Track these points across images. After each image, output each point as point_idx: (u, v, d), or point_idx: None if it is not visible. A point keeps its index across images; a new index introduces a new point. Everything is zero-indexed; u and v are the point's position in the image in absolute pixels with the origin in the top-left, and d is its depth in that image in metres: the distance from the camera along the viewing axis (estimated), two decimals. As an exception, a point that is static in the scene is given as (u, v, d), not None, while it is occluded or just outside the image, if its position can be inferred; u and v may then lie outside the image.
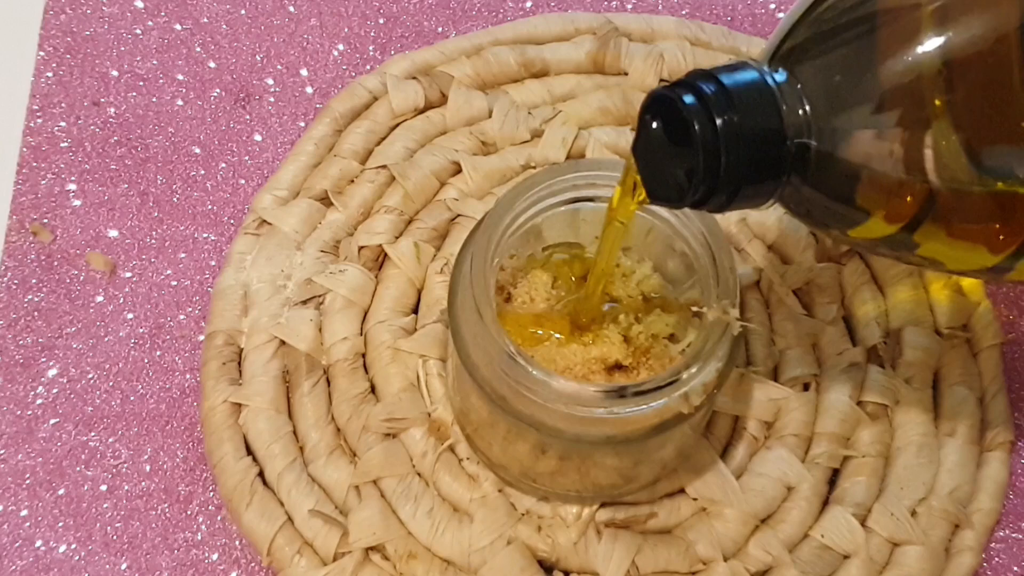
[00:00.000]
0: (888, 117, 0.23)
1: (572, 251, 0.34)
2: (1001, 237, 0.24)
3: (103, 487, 0.37)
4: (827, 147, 0.24)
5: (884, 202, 0.24)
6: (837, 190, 0.24)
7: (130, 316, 0.40)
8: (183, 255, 0.41)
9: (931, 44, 0.23)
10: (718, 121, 0.23)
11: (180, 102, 0.44)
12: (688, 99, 0.24)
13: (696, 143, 0.24)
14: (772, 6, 0.47)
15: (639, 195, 0.27)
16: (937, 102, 0.23)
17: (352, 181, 0.41)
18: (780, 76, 0.24)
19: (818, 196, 0.25)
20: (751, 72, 0.24)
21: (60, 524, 0.36)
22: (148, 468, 0.37)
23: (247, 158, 0.43)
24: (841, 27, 0.24)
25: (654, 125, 0.26)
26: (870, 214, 0.24)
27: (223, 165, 0.43)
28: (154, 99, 0.44)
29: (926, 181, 0.23)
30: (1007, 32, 0.22)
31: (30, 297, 0.40)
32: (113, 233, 0.41)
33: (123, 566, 0.36)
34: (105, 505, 0.37)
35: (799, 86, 0.24)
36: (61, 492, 0.37)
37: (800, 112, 0.24)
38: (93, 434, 0.38)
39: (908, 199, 0.24)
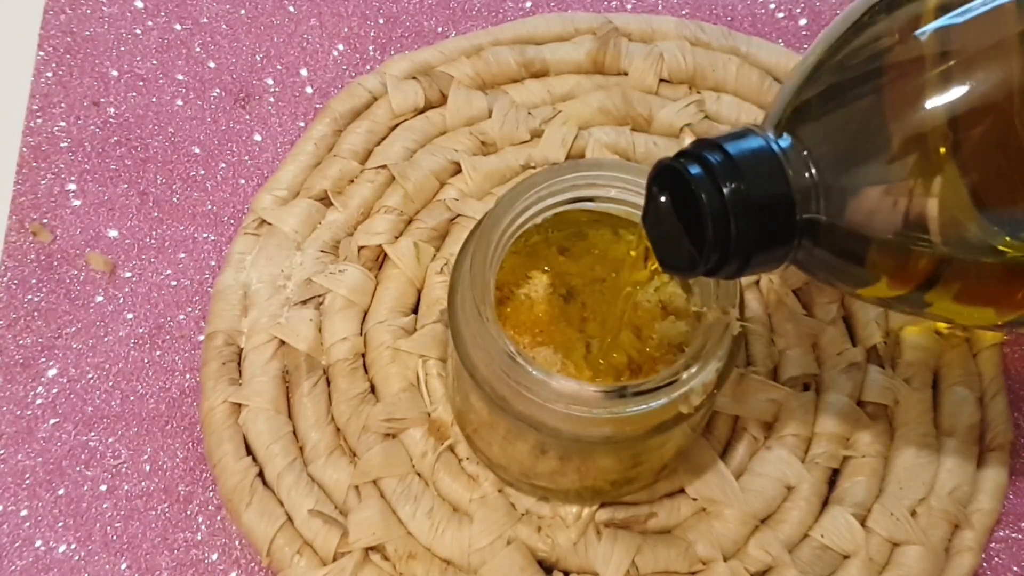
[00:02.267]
0: (895, 174, 0.23)
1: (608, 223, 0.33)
2: (1007, 302, 0.24)
3: (103, 487, 0.37)
4: (835, 209, 0.24)
5: (894, 261, 0.24)
6: (849, 251, 0.24)
7: (130, 316, 0.40)
8: (183, 255, 0.41)
9: (937, 101, 0.23)
10: (725, 190, 0.23)
11: (180, 102, 0.44)
12: (694, 170, 0.24)
13: (705, 213, 0.23)
14: (772, 6, 0.47)
15: (652, 263, 0.27)
16: (943, 157, 0.23)
17: (352, 181, 0.41)
18: (784, 142, 0.24)
19: (830, 258, 0.25)
20: (756, 139, 0.24)
21: (60, 524, 0.36)
22: (148, 468, 0.37)
23: (247, 158, 0.43)
24: (843, 89, 0.24)
25: (662, 197, 0.26)
26: (880, 274, 0.24)
27: (223, 165, 0.43)
28: (154, 99, 0.44)
29: (933, 241, 0.23)
30: (1012, 89, 0.22)
31: (30, 297, 0.40)
32: (113, 233, 0.41)
33: (123, 566, 0.36)
34: (105, 505, 0.37)
35: (804, 151, 0.24)
36: (61, 492, 0.37)
37: (807, 175, 0.24)
38: (93, 434, 0.38)
39: (917, 259, 0.24)
